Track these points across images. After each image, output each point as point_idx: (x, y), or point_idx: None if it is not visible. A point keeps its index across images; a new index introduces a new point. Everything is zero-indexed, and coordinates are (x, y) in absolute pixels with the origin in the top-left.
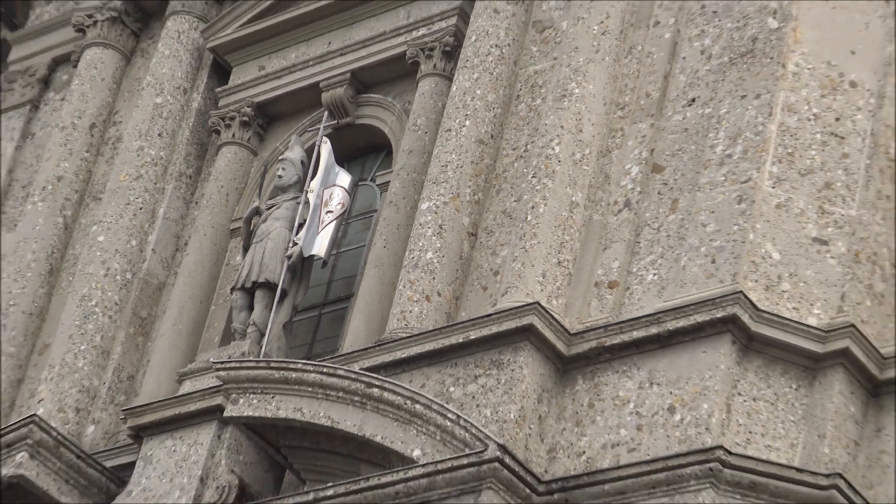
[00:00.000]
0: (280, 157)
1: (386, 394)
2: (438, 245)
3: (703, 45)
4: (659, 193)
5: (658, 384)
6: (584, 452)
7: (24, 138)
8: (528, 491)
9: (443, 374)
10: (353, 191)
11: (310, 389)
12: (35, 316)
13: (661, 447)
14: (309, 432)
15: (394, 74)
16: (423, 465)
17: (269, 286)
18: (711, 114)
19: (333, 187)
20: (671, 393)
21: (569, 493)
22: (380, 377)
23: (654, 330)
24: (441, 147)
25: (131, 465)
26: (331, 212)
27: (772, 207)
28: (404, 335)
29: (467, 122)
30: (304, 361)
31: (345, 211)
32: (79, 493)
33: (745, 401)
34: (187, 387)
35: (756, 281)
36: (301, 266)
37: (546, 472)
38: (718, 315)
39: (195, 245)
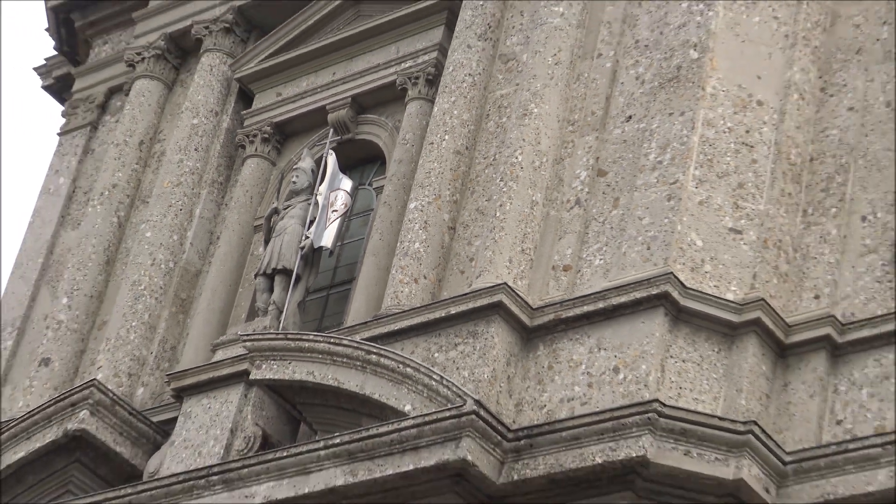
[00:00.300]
0: (294, 167)
1: (382, 359)
2: (424, 237)
3: (637, 72)
4: (603, 193)
5: (605, 349)
6: (545, 406)
7: (86, 154)
8: (499, 438)
9: (428, 342)
10: (353, 193)
11: (320, 356)
12: (94, 298)
13: (607, 401)
14: (319, 391)
15: (387, 98)
16: (413, 418)
17: (286, 272)
18: (645, 128)
19: (338, 191)
20: (615, 356)
21: (533, 439)
22: (377, 346)
23: (600, 305)
24: (425, 157)
25: (174, 420)
26: (336, 211)
27: (695, 204)
28: (397, 311)
29: (447, 137)
30: (314, 333)
31: (347, 210)
32: (131, 443)
33: (676, 362)
34: (219, 355)
35: (683, 264)
36: (312, 255)
37: (514, 422)
38: (653, 292)
39: (225, 239)
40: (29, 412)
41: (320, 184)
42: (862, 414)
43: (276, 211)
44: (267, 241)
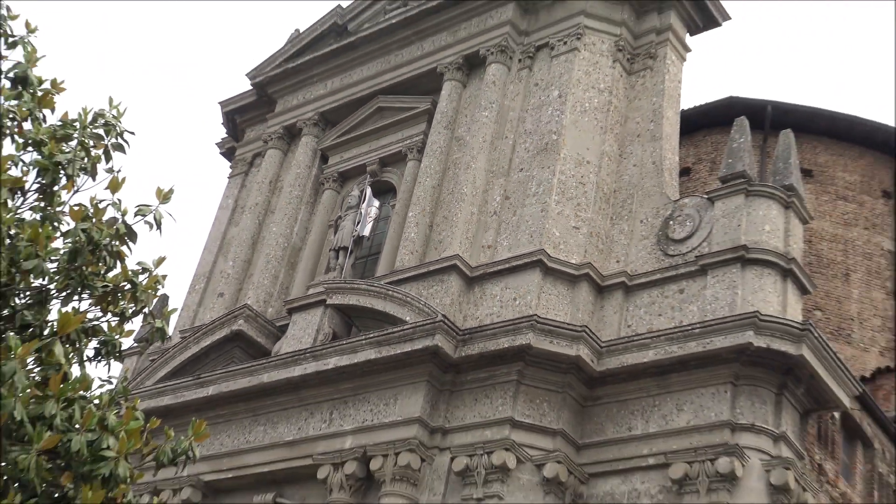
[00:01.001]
0: (349, 193)
1: (393, 293)
2: (416, 230)
3: (525, 146)
4: (508, 208)
5: (509, 288)
6: (478, 318)
7: (242, 187)
8: (455, 334)
9: (419, 285)
10: (379, 209)
11: (362, 291)
12: (245, 262)
13: (509, 315)
14: (361, 309)
15: (397, 159)
16: (411, 324)
17: (344, 248)
18: (529, 175)
19: (371, 207)
20: (514, 292)
21: (472, 335)
22: (392, 287)
23: (506, 265)
24: (416, 190)
25: (287, 325)
26: (370, 217)
27: (555, 214)
28: (401, 269)
29: (427, 180)
30: (360, 280)
31: (376, 217)
32: (264, 336)
33: (545, 295)
34: (311, 291)
35: (549, 245)
36: (358, 240)
37: (462, 325)
38: (534, 259)
39: (313, 231)
40: (213, 321)
41: (362, 203)
42: (639, 322)
43: (340, 217)
44: (335, 232)
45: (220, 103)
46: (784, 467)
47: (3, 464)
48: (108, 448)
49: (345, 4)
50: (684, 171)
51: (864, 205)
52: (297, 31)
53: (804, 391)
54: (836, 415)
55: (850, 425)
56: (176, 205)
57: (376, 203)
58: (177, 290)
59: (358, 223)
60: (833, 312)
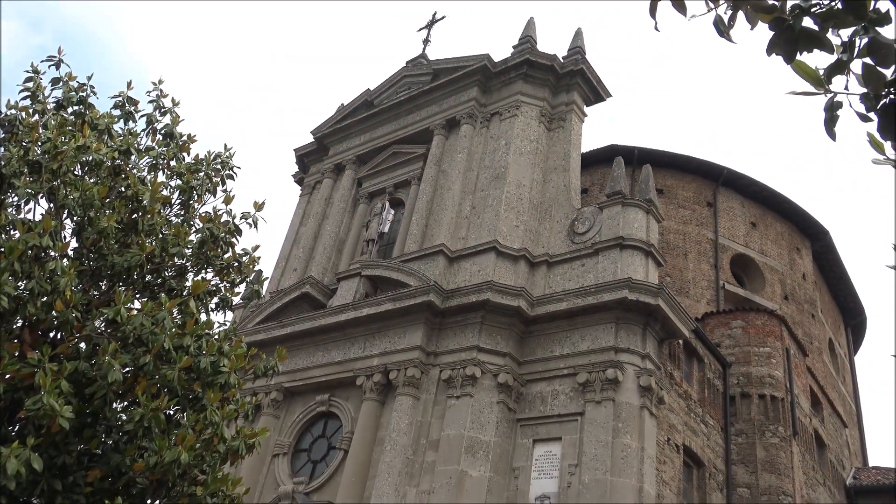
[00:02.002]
0: (376, 206)
1: (403, 268)
2: (418, 228)
3: (485, 177)
4: (473, 213)
5: (476, 265)
6: (456, 283)
7: (309, 202)
8: (441, 294)
9: (419, 263)
10: (394, 216)
11: (384, 266)
12: (309, 249)
13: (477, 280)
14: (383, 279)
15: (405, 183)
16: (414, 287)
17: (373, 240)
18: (487, 194)
19: (389, 214)
20: (478, 266)
21: (452, 293)
22: (402, 264)
23: (474, 249)
24: (414, 208)
25: (336, 288)
26: (388, 221)
27: (503, 218)
28: (408, 252)
29: (424, 198)
30: (382, 260)
31: (391, 221)
32: (309, 303)
33: (497, 269)
34: (352, 267)
35: (501, 237)
36: (381, 235)
37: (447, 287)
38: (490, 246)
39: (353, 231)
40: (290, 286)
41: (383, 212)
42: (556, 284)
43: (369, 220)
44: (366, 230)
45: (294, 150)
46: (648, 375)
47: (157, 377)
48: (224, 366)
49: (372, 87)
50: (584, 191)
51: (695, 211)
52: (342, 104)
53: (660, 327)
54: (681, 341)
55: (689, 348)
56: (267, 213)
57: (392, 211)
58: (267, 267)
59: (380, 224)
60: (677, 278)
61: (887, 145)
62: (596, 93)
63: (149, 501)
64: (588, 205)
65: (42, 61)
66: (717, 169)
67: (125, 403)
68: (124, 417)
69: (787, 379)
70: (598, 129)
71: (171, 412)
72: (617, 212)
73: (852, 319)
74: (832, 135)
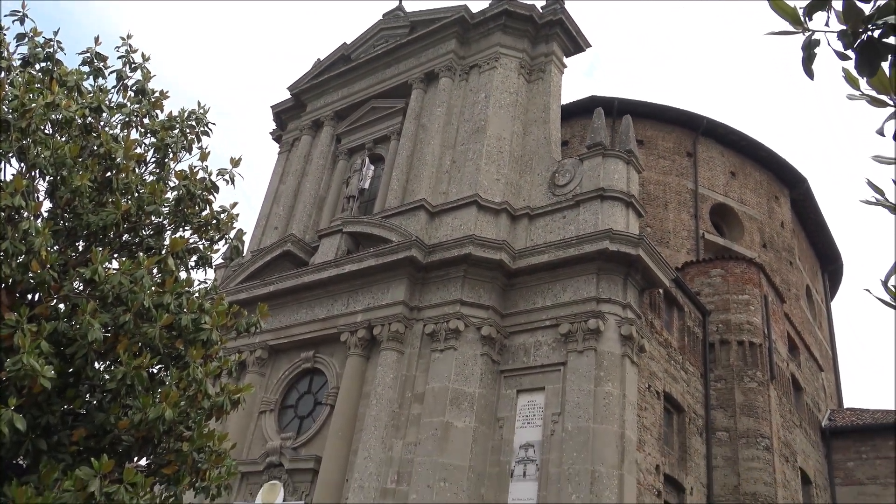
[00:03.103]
0: (355, 162)
1: (385, 224)
2: (398, 183)
3: (465, 129)
4: (455, 166)
5: (457, 219)
6: (438, 237)
7: (287, 159)
8: (423, 249)
9: (400, 218)
10: (375, 171)
11: (365, 222)
12: (289, 208)
13: (458, 235)
14: (365, 235)
15: (386, 138)
16: (396, 243)
17: (353, 196)
18: (468, 147)
19: (369, 170)
20: (459, 220)
21: (434, 248)
22: (384, 220)
23: (455, 203)
24: (395, 160)
25: (318, 246)
26: (368, 177)
27: (484, 172)
28: (389, 208)
29: (404, 152)
30: (363, 216)
31: (371, 177)
32: (309, 256)
33: (479, 222)
34: (333, 224)
35: (482, 191)
36: (361, 191)
37: (428, 242)
38: (472, 200)
39: (333, 186)
40: (271, 245)
41: (363, 168)
42: (538, 237)
43: (349, 177)
44: (346, 187)
45: (271, 107)
46: (629, 324)
47: (137, 335)
48: (205, 323)
49: (349, 41)
50: (565, 143)
51: (675, 161)
52: (318, 59)
53: (641, 276)
54: (661, 291)
55: (669, 297)
56: (245, 172)
57: (372, 167)
58: (247, 227)
59: (361, 180)
60: (658, 228)
61: (862, 81)
62: (575, 43)
63: (136, 459)
64: (568, 157)
65: (6, 16)
66: (697, 119)
67: (107, 363)
68: (107, 377)
69: (765, 325)
70: (578, 81)
71: (154, 370)
72: (597, 163)
73: (829, 265)
74: (810, 73)
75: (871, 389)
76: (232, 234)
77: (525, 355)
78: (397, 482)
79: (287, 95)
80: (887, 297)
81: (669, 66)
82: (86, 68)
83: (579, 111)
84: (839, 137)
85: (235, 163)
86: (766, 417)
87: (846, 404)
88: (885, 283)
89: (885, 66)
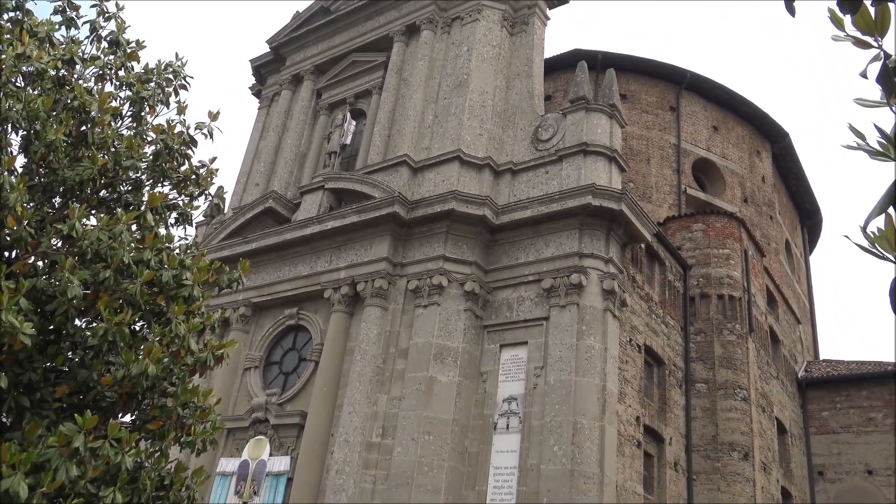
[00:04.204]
0: (336, 117)
1: (367, 180)
2: (380, 139)
3: (447, 84)
4: (436, 121)
5: (440, 174)
6: (421, 193)
7: (268, 114)
8: (406, 205)
9: (382, 174)
10: (356, 126)
11: (347, 178)
12: (271, 164)
13: (440, 191)
14: (347, 191)
15: (370, 90)
16: (379, 199)
17: (335, 152)
18: (451, 101)
19: (350, 125)
20: (443, 176)
21: (417, 204)
22: (366, 175)
23: (438, 159)
24: (377, 115)
25: (300, 203)
26: (350, 132)
27: (467, 126)
28: (372, 164)
29: (386, 107)
30: (346, 172)
31: (353, 132)
32: (291, 213)
33: (462, 178)
34: (314, 180)
35: (465, 146)
36: (343, 146)
37: (412, 197)
38: (454, 155)
39: (314, 140)
40: (253, 201)
41: (344, 123)
42: (521, 192)
43: (330, 132)
44: (328, 142)
45: (249, 61)
46: (611, 278)
47: (118, 291)
48: (187, 279)
49: None
50: (547, 98)
51: (658, 116)
52: (297, 11)
53: (623, 231)
54: (643, 245)
55: (651, 251)
56: (225, 127)
57: (353, 122)
58: (228, 183)
59: (342, 136)
60: (640, 183)
61: (847, 23)
62: None
63: (120, 415)
64: (552, 111)
65: None
66: (680, 73)
67: (88, 319)
68: (88, 333)
69: (745, 279)
70: (561, 34)
71: (136, 327)
72: (580, 117)
73: (809, 220)
74: (791, 10)
75: (847, 341)
76: (212, 190)
77: (508, 310)
78: (382, 436)
79: (266, 49)
80: (866, 243)
81: (654, 19)
82: (57, 18)
83: (563, 65)
84: (822, 85)
85: (214, 116)
86: (744, 369)
87: (822, 356)
88: (864, 229)
89: (869, 5)
